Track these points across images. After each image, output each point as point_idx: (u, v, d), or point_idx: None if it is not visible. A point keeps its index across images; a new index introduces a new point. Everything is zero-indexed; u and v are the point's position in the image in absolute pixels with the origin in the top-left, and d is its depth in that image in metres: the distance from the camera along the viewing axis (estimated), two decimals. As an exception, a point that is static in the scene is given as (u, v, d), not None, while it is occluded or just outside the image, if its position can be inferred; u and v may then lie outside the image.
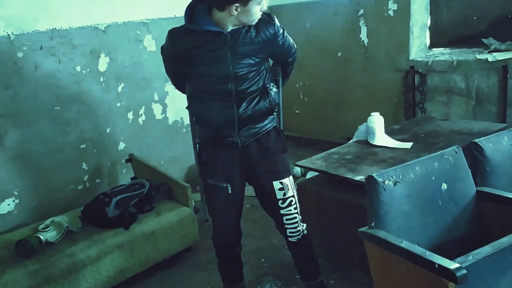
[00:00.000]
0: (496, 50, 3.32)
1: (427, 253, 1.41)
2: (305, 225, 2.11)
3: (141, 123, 3.50)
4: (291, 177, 2.04)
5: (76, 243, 2.40)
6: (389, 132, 2.91)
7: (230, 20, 1.76)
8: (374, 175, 1.61)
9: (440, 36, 3.90)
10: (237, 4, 1.69)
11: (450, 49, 3.76)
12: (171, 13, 3.48)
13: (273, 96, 1.95)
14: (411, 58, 3.66)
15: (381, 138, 2.75)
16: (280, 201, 2.01)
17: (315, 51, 4.24)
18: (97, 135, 3.21)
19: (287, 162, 2.06)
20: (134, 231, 2.52)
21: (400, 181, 1.64)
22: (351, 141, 2.89)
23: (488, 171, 1.83)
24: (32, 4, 2.80)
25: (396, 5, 3.62)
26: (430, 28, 3.81)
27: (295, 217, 2.04)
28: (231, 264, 2.25)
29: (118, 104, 3.33)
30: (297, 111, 4.54)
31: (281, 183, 1.99)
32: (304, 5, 4.23)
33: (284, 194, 2.00)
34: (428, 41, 3.83)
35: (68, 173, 3.07)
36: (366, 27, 3.86)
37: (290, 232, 2.07)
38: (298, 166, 2.69)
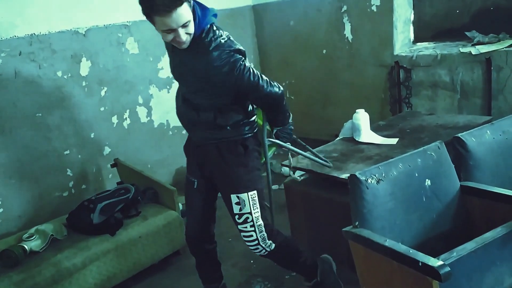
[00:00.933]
0: (479, 43, 3.32)
1: (410, 251, 1.40)
2: (270, 242, 1.99)
3: (126, 127, 3.46)
4: (254, 192, 1.93)
5: (61, 251, 2.36)
6: (375, 128, 2.90)
7: None
8: (356, 173, 1.60)
9: (423, 31, 3.90)
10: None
11: (434, 43, 3.76)
12: (153, 14, 3.44)
13: (225, 119, 1.88)
14: (395, 53, 3.66)
15: (367, 135, 2.74)
16: (237, 216, 1.95)
17: (300, 49, 4.22)
18: (81, 141, 3.17)
19: (248, 177, 1.93)
20: (120, 237, 2.49)
21: (383, 179, 1.63)
22: (337, 138, 2.88)
23: (471, 165, 1.82)
24: (9, 10, 2.75)
25: (379, 0, 3.61)
26: (414, 23, 3.81)
27: (252, 235, 1.95)
28: (205, 263, 2.24)
29: (102, 109, 3.28)
30: (284, 110, 4.51)
31: (238, 197, 1.92)
32: (287, 3, 4.21)
33: (240, 209, 1.93)
34: (412, 36, 3.83)
35: (52, 180, 3.02)
36: (350, 24, 3.85)
37: (250, 248, 2.02)
38: (284, 165, 2.67)
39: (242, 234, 1.98)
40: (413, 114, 3.18)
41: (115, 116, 3.37)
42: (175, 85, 3.72)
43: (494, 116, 3.01)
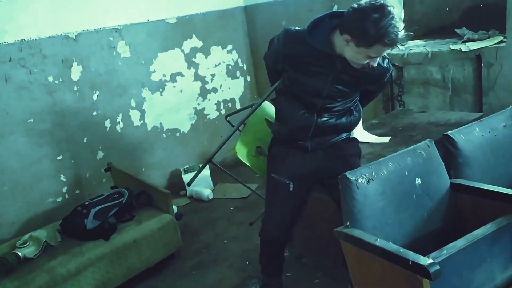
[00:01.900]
0: (469, 40, 3.33)
1: (401, 250, 1.40)
2: None
3: (119, 131, 3.46)
4: None
5: (55, 257, 2.36)
6: (368, 127, 2.91)
7: (341, 45, 1.76)
8: (346, 174, 1.61)
9: (414, 28, 3.91)
10: (350, 38, 1.68)
11: (425, 41, 3.77)
12: (144, 18, 3.44)
13: (356, 117, 2.04)
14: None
15: (360, 134, 2.74)
16: None
17: (292, 48, 4.21)
18: (74, 146, 3.16)
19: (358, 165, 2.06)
20: (114, 242, 2.48)
21: (374, 178, 1.64)
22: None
23: (461, 163, 1.83)
24: (-2, 16, 2.75)
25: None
26: (404, 21, 3.77)
27: None
28: (276, 258, 2.25)
29: (94, 113, 3.28)
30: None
31: None
32: (279, 3, 4.21)
33: None
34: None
35: (46, 186, 3.02)
36: (341, 23, 3.85)
37: None
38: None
39: None
40: (404, 112, 3.19)
41: (108, 120, 3.37)
42: (168, 88, 3.75)
43: (485, 112, 3.02)
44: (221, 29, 4.09)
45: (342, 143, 2.07)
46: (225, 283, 2.53)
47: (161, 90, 3.71)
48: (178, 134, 3.88)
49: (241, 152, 2.24)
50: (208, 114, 4.08)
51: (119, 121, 3.44)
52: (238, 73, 4.26)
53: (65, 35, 3.06)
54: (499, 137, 1.93)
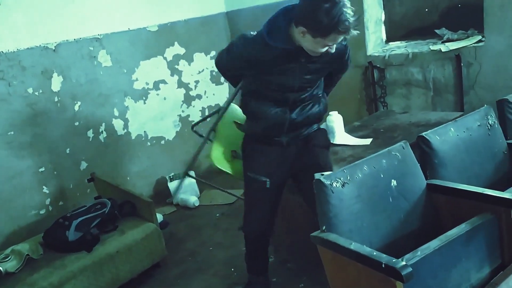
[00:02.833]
0: (449, 40, 3.36)
1: (374, 253, 1.40)
2: None
3: (103, 140, 3.44)
4: None
5: (37, 271, 2.33)
6: (350, 129, 2.92)
7: (299, 38, 1.77)
8: (321, 178, 1.61)
9: (395, 30, 3.93)
10: (305, 30, 1.70)
11: (406, 42, 3.80)
12: (125, 26, 3.43)
13: (324, 104, 2.08)
14: (368, 53, 3.68)
15: (341, 137, 2.75)
16: None
17: (276, 53, 4.22)
18: (56, 157, 3.14)
19: (329, 158, 2.15)
20: (97, 253, 2.46)
21: (349, 182, 1.64)
22: (313, 141, 2.89)
23: (436, 163, 1.84)
24: (-25, 29, 2.73)
25: (349, 2, 3.63)
26: (385, 23, 3.84)
27: None
28: (261, 254, 2.28)
29: (76, 123, 3.26)
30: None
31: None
32: (260, 8, 4.21)
33: None
34: (384, 36, 3.86)
35: (28, 198, 2.99)
36: (322, 26, 3.87)
37: None
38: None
39: None
40: (387, 114, 3.20)
41: (91, 130, 3.35)
42: (151, 95, 3.74)
43: (466, 112, 3.04)
44: (204, 36, 4.09)
45: (313, 134, 2.11)
46: (210, 290, 2.52)
47: (144, 98, 3.69)
48: (163, 142, 3.87)
49: (218, 160, 2.24)
50: (193, 121, 4.06)
51: (102, 131, 3.42)
52: (222, 79, 4.25)
53: (44, 46, 3.04)
54: (474, 136, 1.95)
